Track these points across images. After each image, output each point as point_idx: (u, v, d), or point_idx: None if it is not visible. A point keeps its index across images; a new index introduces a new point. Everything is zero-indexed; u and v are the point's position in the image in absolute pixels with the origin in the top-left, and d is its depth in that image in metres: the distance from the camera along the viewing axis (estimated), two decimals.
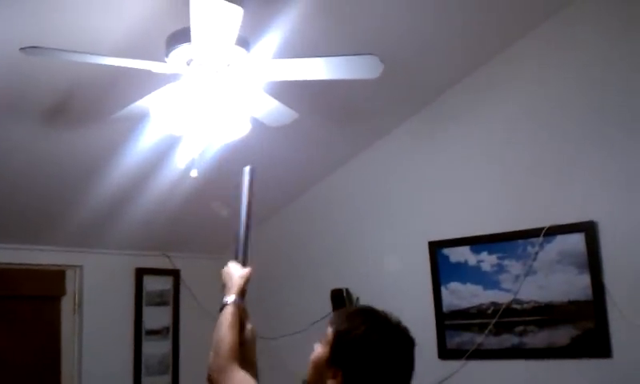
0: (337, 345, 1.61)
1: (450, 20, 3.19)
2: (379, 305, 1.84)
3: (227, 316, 1.82)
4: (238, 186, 2.06)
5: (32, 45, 1.96)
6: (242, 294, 1.91)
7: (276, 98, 2.65)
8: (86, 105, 2.91)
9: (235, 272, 1.95)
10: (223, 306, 1.86)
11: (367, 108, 3.76)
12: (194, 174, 2.38)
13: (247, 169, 2.06)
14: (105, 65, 2.22)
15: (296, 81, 2.45)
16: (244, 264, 1.99)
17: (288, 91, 2.80)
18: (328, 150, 4.13)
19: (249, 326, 1.94)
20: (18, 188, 3.36)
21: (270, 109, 2.68)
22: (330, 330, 1.65)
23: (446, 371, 3.68)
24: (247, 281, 1.93)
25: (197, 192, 3.80)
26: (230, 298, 1.87)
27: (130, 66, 2.17)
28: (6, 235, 3.67)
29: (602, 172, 3.38)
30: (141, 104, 2.44)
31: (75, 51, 2.13)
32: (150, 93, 2.41)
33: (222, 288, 1.95)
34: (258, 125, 2.76)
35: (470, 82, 3.80)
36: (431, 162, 3.98)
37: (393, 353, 1.61)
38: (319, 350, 1.64)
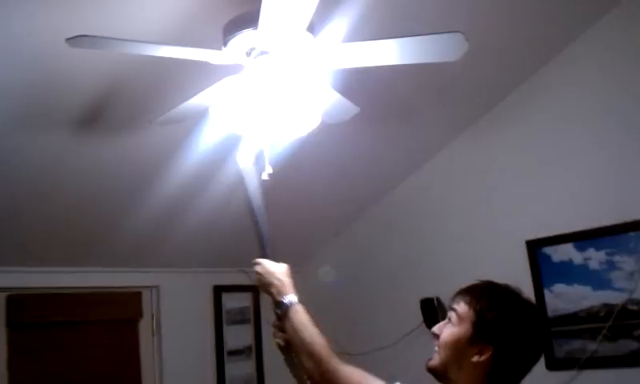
0: (482, 321, 1.57)
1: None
2: None
3: (302, 316, 1.78)
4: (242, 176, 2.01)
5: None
6: (289, 286, 1.88)
7: (342, 92, 2.40)
8: (133, 108, 2.69)
9: (276, 269, 1.89)
10: (287, 308, 1.80)
11: (447, 99, 3.45)
12: (265, 176, 2.14)
13: (244, 156, 2.00)
14: (148, 61, 2.00)
15: (367, 74, 2.20)
16: (273, 258, 1.96)
17: (357, 86, 2.54)
18: (409, 147, 3.83)
19: None
20: (85, 209, 3.21)
21: (332, 103, 2.41)
22: (465, 309, 1.60)
23: (556, 383, 3.28)
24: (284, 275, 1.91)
25: (270, 200, 3.57)
26: (293, 298, 1.82)
27: (186, 57, 1.94)
28: (76, 259, 3.54)
29: None
30: (197, 101, 2.21)
31: (127, 40, 1.92)
32: (203, 89, 2.18)
33: (265, 289, 1.90)
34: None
35: (553, 64, 3.44)
36: (522, 153, 3.60)
37: (535, 324, 1.65)
38: (456, 330, 1.59)
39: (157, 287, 4.01)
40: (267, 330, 4.37)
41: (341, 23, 2.35)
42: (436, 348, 1.64)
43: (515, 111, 3.61)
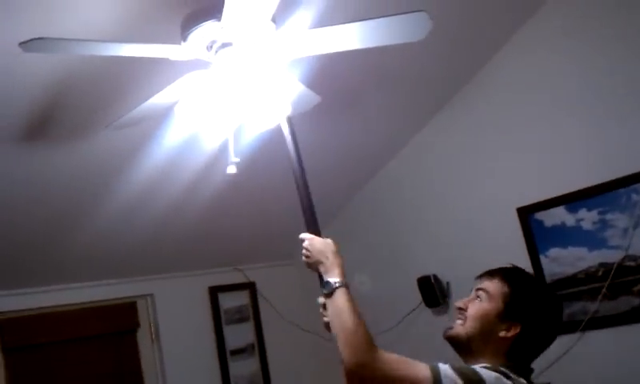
0: (514, 300, 1.73)
1: None
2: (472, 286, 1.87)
3: (346, 302, 1.72)
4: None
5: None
6: (340, 265, 1.82)
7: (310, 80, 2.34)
8: (95, 113, 2.56)
9: (326, 248, 1.83)
10: (333, 289, 1.74)
11: (424, 77, 3.40)
12: (231, 170, 2.09)
13: (282, 121, 1.95)
14: (102, 64, 1.92)
15: (332, 62, 2.14)
16: (319, 233, 1.90)
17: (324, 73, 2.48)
18: (393, 127, 3.77)
19: None
20: (70, 224, 3.15)
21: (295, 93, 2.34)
22: (496, 288, 1.75)
23: (560, 347, 3.21)
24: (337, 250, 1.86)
25: (259, 195, 3.53)
26: (339, 280, 1.77)
27: (144, 55, 1.88)
28: (65, 275, 3.48)
29: None
30: (158, 101, 2.14)
31: (84, 40, 1.85)
32: (162, 88, 2.10)
33: (313, 267, 1.84)
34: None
35: (532, 24, 3.37)
36: (505, 120, 3.55)
37: (558, 307, 1.84)
38: (486, 305, 1.74)
39: (151, 295, 3.96)
40: (268, 327, 4.37)
41: (303, 13, 2.30)
42: (459, 320, 1.77)
43: (496, 80, 3.56)
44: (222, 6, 1.75)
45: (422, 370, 1.60)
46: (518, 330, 1.71)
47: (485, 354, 1.72)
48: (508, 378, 1.64)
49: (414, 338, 3.79)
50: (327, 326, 1.83)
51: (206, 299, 4.17)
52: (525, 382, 1.70)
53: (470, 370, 1.63)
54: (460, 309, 1.79)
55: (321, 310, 1.87)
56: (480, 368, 1.65)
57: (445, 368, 1.60)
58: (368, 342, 1.64)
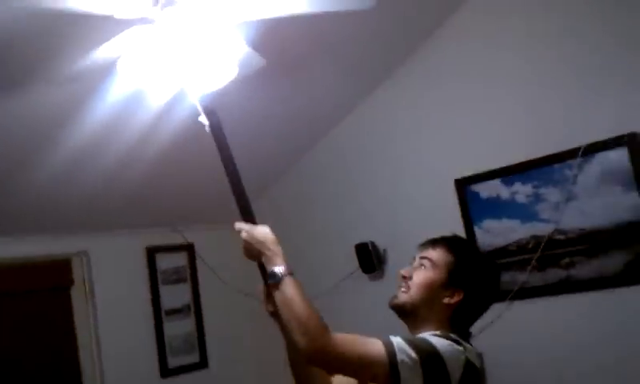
0: (457, 268, 1.80)
1: None
2: (409, 255, 1.93)
3: (295, 290, 1.70)
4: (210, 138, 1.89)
5: None
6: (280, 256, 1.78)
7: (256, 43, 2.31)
8: (33, 66, 2.46)
9: (266, 238, 1.79)
10: (280, 279, 1.71)
11: (369, 46, 3.41)
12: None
13: (204, 117, 1.89)
14: (41, 15, 1.85)
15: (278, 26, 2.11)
16: (255, 222, 1.85)
17: (270, 36, 2.46)
18: (333, 97, 3.78)
19: None
20: (7, 177, 3.05)
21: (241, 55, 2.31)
22: (440, 256, 1.81)
23: (489, 315, 3.32)
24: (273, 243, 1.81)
25: (199, 155, 3.49)
26: (284, 268, 1.74)
27: (89, 11, 1.83)
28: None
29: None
30: (99, 55, 2.08)
31: None
32: (101, 43, 2.04)
33: (254, 257, 1.79)
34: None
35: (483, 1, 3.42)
36: (445, 94, 3.60)
37: (496, 273, 1.95)
38: (431, 273, 1.80)
39: (85, 252, 3.89)
40: (205, 288, 4.36)
41: None
42: (403, 288, 1.82)
43: (437, 53, 3.60)
44: None
45: (377, 347, 1.62)
46: (461, 297, 1.78)
47: (429, 320, 1.77)
48: (459, 344, 1.69)
49: (350, 301, 3.86)
50: (273, 314, 1.83)
51: (143, 259, 4.13)
52: (472, 346, 1.76)
53: (421, 340, 1.66)
54: (404, 277, 1.84)
55: (263, 299, 1.87)
56: (431, 336, 1.69)
57: (398, 341, 1.63)
58: (323, 327, 1.64)
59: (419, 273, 1.81)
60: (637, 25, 3.01)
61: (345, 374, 1.71)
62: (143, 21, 2.01)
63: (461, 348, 1.69)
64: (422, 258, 1.83)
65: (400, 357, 1.59)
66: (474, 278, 1.81)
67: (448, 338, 1.69)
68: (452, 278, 1.79)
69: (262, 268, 1.81)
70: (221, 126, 1.90)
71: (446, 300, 1.78)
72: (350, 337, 1.64)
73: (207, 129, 1.89)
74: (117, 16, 1.91)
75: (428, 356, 1.62)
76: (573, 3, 3.20)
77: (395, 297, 1.82)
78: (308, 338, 1.61)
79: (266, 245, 1.77)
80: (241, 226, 1.84)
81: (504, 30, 3.39)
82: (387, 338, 1.64)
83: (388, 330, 1.75)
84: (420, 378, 1.60)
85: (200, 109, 1.89)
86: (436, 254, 1.82)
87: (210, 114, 1.87)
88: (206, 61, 2.03)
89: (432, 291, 1.78)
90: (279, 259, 1.75)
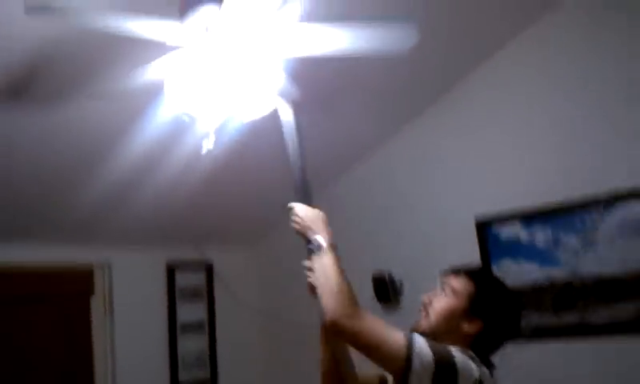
0: (477, 298, 1.82)
1: None
2: (425, 288, 1.97)
3: (332, 261, 1.80)
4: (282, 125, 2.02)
5: None
6: (328, 232, 1.90)
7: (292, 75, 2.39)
8: (81, 78, 2.56)
9: (318, 217, 1.91)
10: (321, 247, 1.82)
11: (400, 86, 3.50)
12: (205, 148, 2.11)
13: (287, 103, 2.03)
14: (87, 32, 1.91)
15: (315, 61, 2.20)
16: (309, 202, 2.00)
17: (306, 70, 2.54)
18: (365, 130, 3.86)
19: None
20: (35, 181, 3.14)
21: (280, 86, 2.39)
22: (461, 285, 1.84)
23: (503, 354, 3.37)
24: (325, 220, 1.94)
25: (226, 178, 3.58)
26: (325, 240, 1.84)
27: (145, 34, 1.90)
28: (27, 233, 3.47)
29: None
30: (145, 75, 2.16)
31: (87, 10, 1.84)
32: (145, 63, 2.13)
33: (303, 232, 1.90)
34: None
35: (506, 49, 3.53)
36: (473, 135, 3.69)
37: (517, 307, 1.94)
38: (452, 301, 1.82)
39: (109, 263, 3.97)
40: (220, 306, 4.42)
41: (296, 7, 2.35)
42: (424, 314, 1.86)
43: (466, 96, 3.69)
44: None
45: (399, 337, 1.67)
46: (479, 326, 1.79)
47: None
48: (474, 361, 1.73)
49: None
50: (311, 288, 1.88)
51: (163, 275, 4.21)
52: (487, 371, 1.77)
53: (442, 346, 1.70)
54: (424, 303, 1.87)
55: (307, 272, 1.94)
56: (451, 346, 1.73)
57: (419, 340, 1.67)
58: (352, 298, 1.71)
59: (440, 299, 1.85)
60: None
61: (362, 350, 1.71)
62: (191, 46, 2.08)
63: (476, 367, 1.71)
64: (444, 285, 1.87)
65: (417, 350, 1.64)
66: (494, 309, 1.82)
67: (466, 354, 1.73)
68: (472, 307, 1.81)
69: (309, 241, 1.90)
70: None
71: (465, 328, 1.80)
72: (377, 319, 1.71)
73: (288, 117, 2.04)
74: (169, 43, 1.99)
75: (442, 359, 1.65)
76: (596, 53, 3.28)
77: (417, 323, 1.85)
78: (336, 304, 1.69)
79: (315, 221, 1.89)
80: (294, 204, 1.98)
81: (531, 78, 3.48)
82: (411, 333, 1.70)
83: None
84: (429, 377, 1.62)
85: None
86: (457, 282, 1.85)
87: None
88: (249, 90, 2.10)
89: (451, 318, 1.81)
90: (324, 233, 1.85)
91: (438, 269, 2.11)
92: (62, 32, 2.24)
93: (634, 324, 3.09)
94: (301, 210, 1.95)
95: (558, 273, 3.32)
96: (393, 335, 1.67)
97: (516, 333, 1.90)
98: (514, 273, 3.45)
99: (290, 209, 1.98)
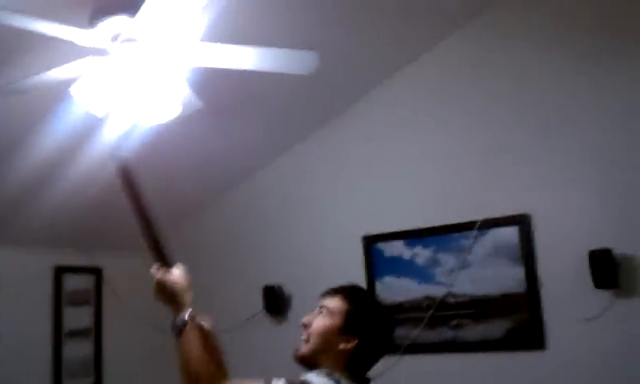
0: (351, 316, 1.85)
1: (378, 21, 3.14)
2: (313, 301, 1.98)
3: (192, 339, 1.77)
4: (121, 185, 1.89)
5: None
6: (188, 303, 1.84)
7: (196, 86, 2.50)
8: None
9: (174, 286, 1.86)
10: (183, 325, 1.79)
11: (299, 102, 3.66)
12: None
13: (119, 163, 1.89)
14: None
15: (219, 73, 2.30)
16: (170, 265, 1.89)
17: (211, 81, 2.65)
18: (258, 144, 4.00)
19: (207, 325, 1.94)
20: None
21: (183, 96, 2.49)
22: (336, 304, 1.87)
23: (380, 367, 3.57)
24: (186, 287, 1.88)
25: (113, 182, 3.59)
26: (187, 316, 1.80)
27: (51, 34, 1.95)
28: None
29: (535, 165, 3.41)
30: (52, 75, 2.21)
31: None
32: (53, 64, 2.17)
33: (165, 301, 1.85)
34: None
35: (402, 77, 3.77)
36: (363, 156, 3.91)
37: (391, 323, 2.01)
38: (327, 321, 1.86)
39: None
40: (108, 314, 4.39)
41: (201, 22, 2.46)
42: (304, 337, 1.88)
43: (361, 117, 3.91)
44: (138, 3, 1.89)
45: None
46: (355, 343, 1.83)
47: (328, 365, 1.82)
48: (341, 381, 1.80)
49: (253, 339, 4.01)
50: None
51: (49, 277, 4.14)
52: None
53: (302, 381, 1.76)
54: (304, 325, 1.90)
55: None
56: (315, 375, 1.79)
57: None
58: (218, 364, 1.78)
59: (317, 320, 1.88)
60: (539, 116, 3.40)
61: None
62: (100, 52, 2.16)
63: None
64: (321, 306, 1.91)
65: None
66: (369, 326, 1.87)
67: (329, 375, 1.77)
68: (347, 325, 1.84)
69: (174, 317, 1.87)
70: (131, 175, 1.89)
71: (341, 346, 1.83)
72: (239, 381, 1.75)
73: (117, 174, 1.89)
74: (78, 42, 2.05)
75: None
76: (482, 90, 3.57)
77: (297, 349, 1.88)
78: (204, 378, 1.71)
79: (175, 296, 1.85)
80: (155, 272, 1.89)
81: (419, 106, 3.75)
82: (269, 378, 1.74)
83: (289, 368, 1.88)
84: None
85: (116, 158, 1.92)
86: (333, 303, 1.89)
87: (122, 165, 1.87)
88: (152, 97, 2.19)
89: (328, 337, 1.84)
90: (184, 307, 1.83)
91: (326, 282, 2.23)
92: None
93: (502, 342, 3.38)
94: (160, 282, 1.86)
95: (435, 290, 3.56)
96: None
97: (390, 348, 1.96)
98: (396, 288, 3.67)
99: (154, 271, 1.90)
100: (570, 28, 3.35)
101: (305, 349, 1.87)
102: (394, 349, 3.55)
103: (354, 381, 1.83)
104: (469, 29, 3.56)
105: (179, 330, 1.79)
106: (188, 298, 1.85)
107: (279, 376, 1.75)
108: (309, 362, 1.86)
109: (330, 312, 1.87)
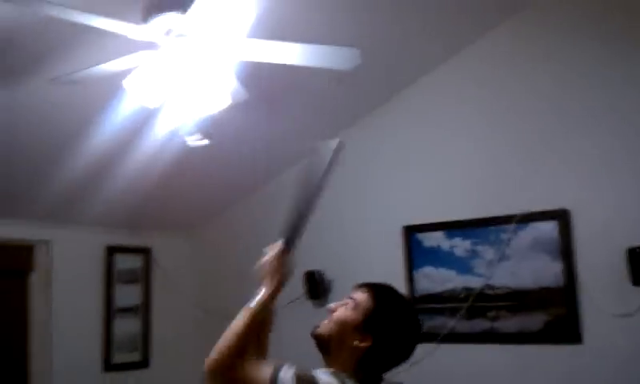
0: (372, 315, 1.79)
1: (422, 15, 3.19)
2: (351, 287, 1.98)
3: (239, 318, 1.81)
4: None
5: None
6: (276, 291, 1.88)
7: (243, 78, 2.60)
8: (49, 64, 2.71)
9: (274, 267, 1.92)
10: (254, 298, 1.84)
11: (341, 93, 3.74)
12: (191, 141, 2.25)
13: (334, 143, 2.00)
14: (52, 20, 2.06)
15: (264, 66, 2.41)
16: (290, 252, 1.97)
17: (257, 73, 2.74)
18: (304, 132, 4.08)
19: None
20: None
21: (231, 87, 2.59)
22: (363, 300, 1.82)
23: (418, 354, 3.64)
24: (286, 280, 1.92)
25: (171, 168, 3.74)
26: (263, 296, 1.85)
27: (106, 28, 2.07)
28: None
29: (575, 160, 3.43)
30: (108, 68, 2.34)
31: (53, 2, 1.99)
32: (114, 58, 2.30)
33: (261, 273, 1.90)
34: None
35: (445, 70, 3.81)
36: (405, 148, 3.97)
37: (413, 333, 1.84)
38: (349, 313, 1.81)
39: (48, 242, 4.08)
40: (156, 290, 4.57)
41: (247, 19, 2.56)
42: (326, 320, 1.85)
43: (404, 109, 3.96)
44: (188, 1, 2.00)
45: (265, 372, 1.72)
46: (369, 343, 1.78)
47: (339, 357, 1.81)
48: (348, 381, 1.75)
49: (293, 323, 4.11)
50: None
51: (102, 256, 4.34)
52: None
53: (310, 376, 1.75)
54: (329, 310, 1.88)
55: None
56: (323, 373, 1.76)
57: (285, 374, 1.73)
58: (239, 349, 1.75)
59: (341, 309, 1.85)
60: (579, 111, 3.41)
61: None
62: (152, 46, 2.28)
63: None
64: (350, 297, 1.88)
65: (280, 379, 1.71)
66: (386, 330, 1.80)
67: (338, 377, 1.75)
68: (366, 324, 1.80)
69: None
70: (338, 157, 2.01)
71: (355, 342, 1.79)
72: (252, 364, 1.76)
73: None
74: (131, 37, 2.17)
75: (303, 378, 1.72)
76: (524, 85, 3.59)
77: (317, 326, 1.86)
78: (223, 352, 1.76)
79: (272, 274, 1.89)
80: (269, 250, 1.98)
81: (460, 100, 3.79)
82: (281, 365, 1.75)
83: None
84: None
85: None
86: (360, 297, 1.85)
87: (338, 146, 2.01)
88: (202, 89, 2.31)
89: (345, 329, 1.81)
90: (270, 289, 1.86)
91: (366, 270, 2.31)
92: (24, 15, 2.37)
93: (539, 334, 3.42)
94: (269, 255, 1.95)
95: (473, 281, 3.62)
96: (259, 374, 1.74)
97: (408, 357, 1.84)
98: (434, 278, 3.74)
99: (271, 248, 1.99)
100: (611, 20, 3.34)
101: (322, 329, 1.84)
102: (430, 339, 3.63)
103: (361, 382, 1.79)
104: (511, 22, 3.57)
105: (254, 299, 1.83)
106: (277, 286, 1.88)
107: (312, 362, 1.78)
108: (323, 343, 1.84)
109: (356, 305, 1.83)
